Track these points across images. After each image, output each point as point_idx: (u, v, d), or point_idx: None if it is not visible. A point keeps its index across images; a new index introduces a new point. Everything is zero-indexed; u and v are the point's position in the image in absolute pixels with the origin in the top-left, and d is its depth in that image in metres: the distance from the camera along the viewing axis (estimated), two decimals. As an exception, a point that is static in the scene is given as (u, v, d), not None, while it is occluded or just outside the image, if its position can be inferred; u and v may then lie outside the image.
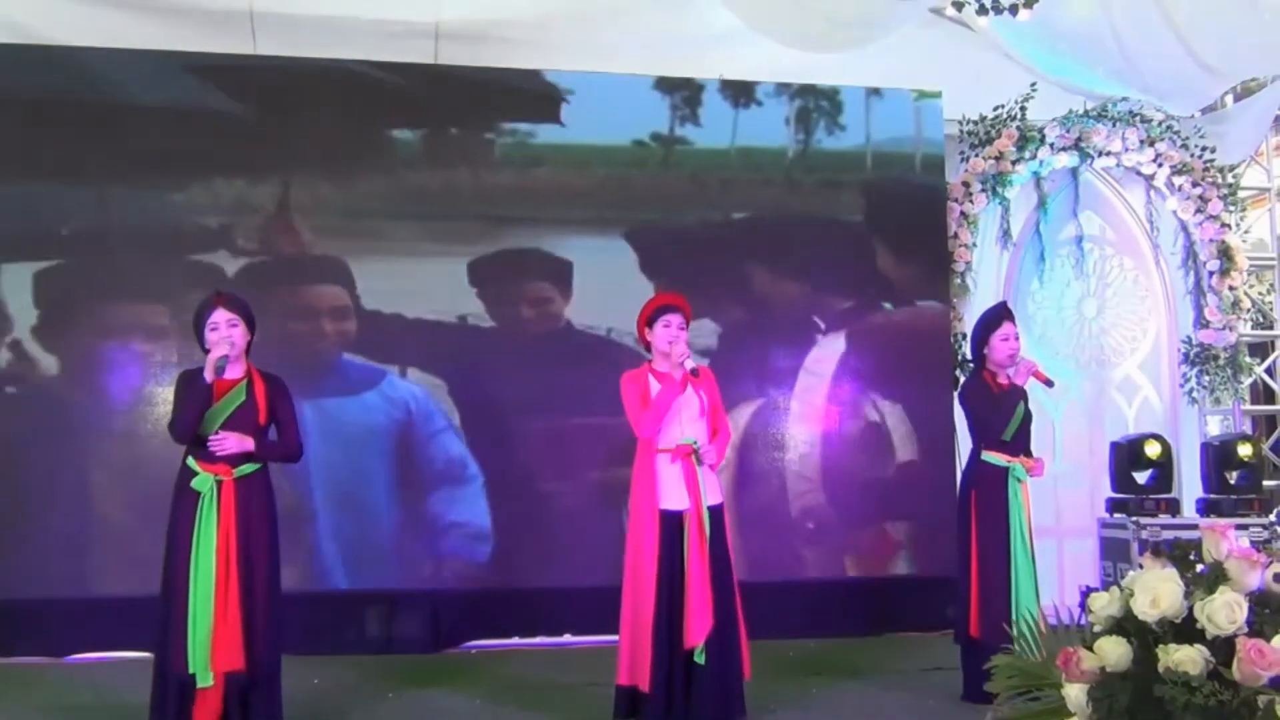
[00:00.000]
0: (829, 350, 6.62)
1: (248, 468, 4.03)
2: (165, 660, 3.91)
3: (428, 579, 6.05)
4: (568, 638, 6.14)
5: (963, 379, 6.01)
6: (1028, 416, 4.91)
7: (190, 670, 3.84)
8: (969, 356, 5.56)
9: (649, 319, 4.43)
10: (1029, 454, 4.94)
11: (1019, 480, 4.82)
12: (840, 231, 6.75)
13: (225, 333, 4.03)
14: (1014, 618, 4.44)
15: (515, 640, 6.15)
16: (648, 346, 4.49)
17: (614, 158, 6.59)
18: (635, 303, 5.79)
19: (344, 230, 6.23)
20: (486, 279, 6.33)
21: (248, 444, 4.00)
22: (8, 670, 5.46)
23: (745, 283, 6.57)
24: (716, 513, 4.34)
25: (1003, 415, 4.82)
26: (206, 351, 4.09)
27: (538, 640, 6.15)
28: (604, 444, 6.03)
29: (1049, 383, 4.96)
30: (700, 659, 4.18)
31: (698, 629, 4.17)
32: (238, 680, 3.90)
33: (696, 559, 4.23)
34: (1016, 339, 4.93)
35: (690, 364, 4.30)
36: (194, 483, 3.95)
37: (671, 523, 4.27)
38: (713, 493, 4.36)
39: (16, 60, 5.94)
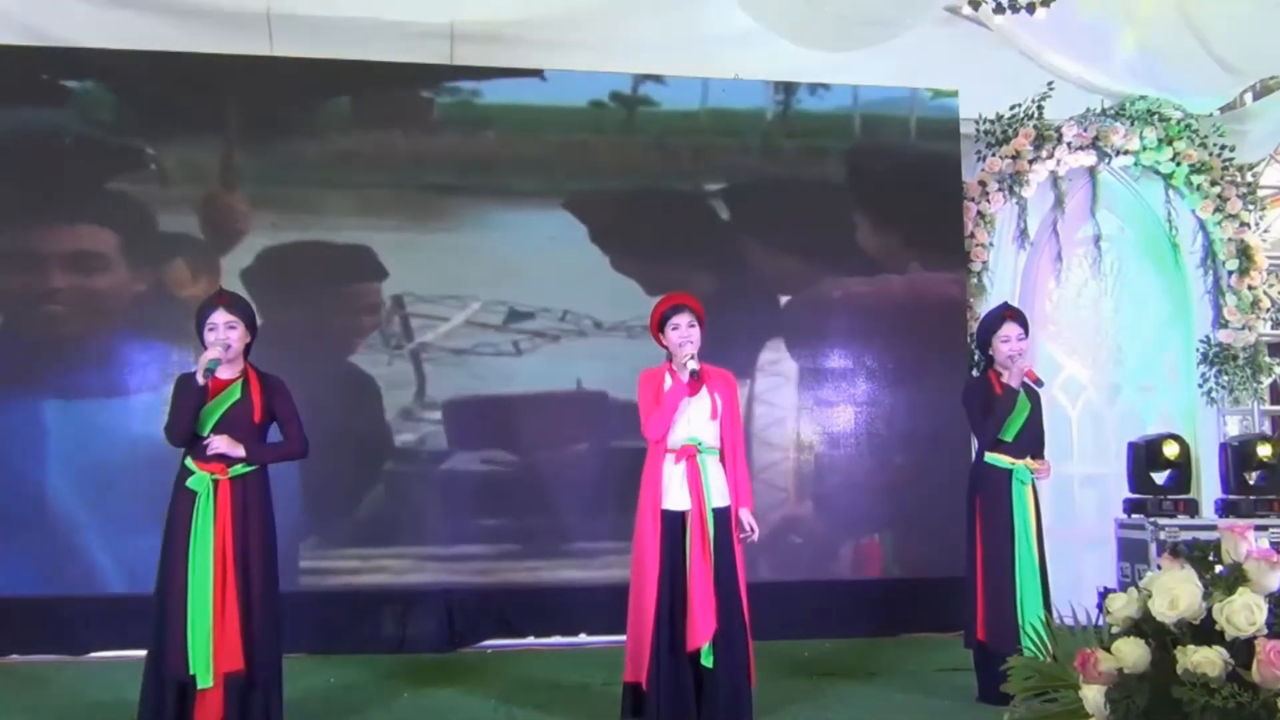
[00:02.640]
0: (842, 347, 6.61)
1: (243, 467, 4.01)
2: (162, 662, 3.90)
3: (443, 578, 6.07)
4: (583, 637, 6.14)
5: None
6: (1033, 417, 4.87)
7: (190, 671, 3.82)
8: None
9: (659, 322, 4.41)
10: (1037, 455, 4.91)
11: (1023, 482, 4.80)
12: (856, 229, 6.72)
13: (223, 334, 4.01)
14: (1020, 621, 4.44)
15: (530, 640, 6.16)
16: (665, 349, 4.47)
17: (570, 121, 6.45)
18: (593, 282, 5.83)
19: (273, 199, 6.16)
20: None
21: (238, 450, 3.97)
22: (27, 668, 5.51)
23: (758, 279, 6.56)
24: (722, 514, 4.27)
25: (999, 416, 4.79)
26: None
27: (553, 640, 6.16)
28: (621, 442, 6.04)
29: (1039, 382, 4.93)
30: (708, 661, 4.15)
31: (700, 632, 4.12)
32: (237, 681, 3.88)
33: (699, 560, 4.17)
34: (1020, 340, 4.88)
35: (693, 365, 4.25)
36: (189, 482, 3.94)
37: (674, 523, 4.23)
38: (719, 494, 4.29)
39: (29, 61, 6.00)
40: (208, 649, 3.84)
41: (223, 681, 3.86)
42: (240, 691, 3.90)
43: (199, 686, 3.83)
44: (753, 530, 4.34)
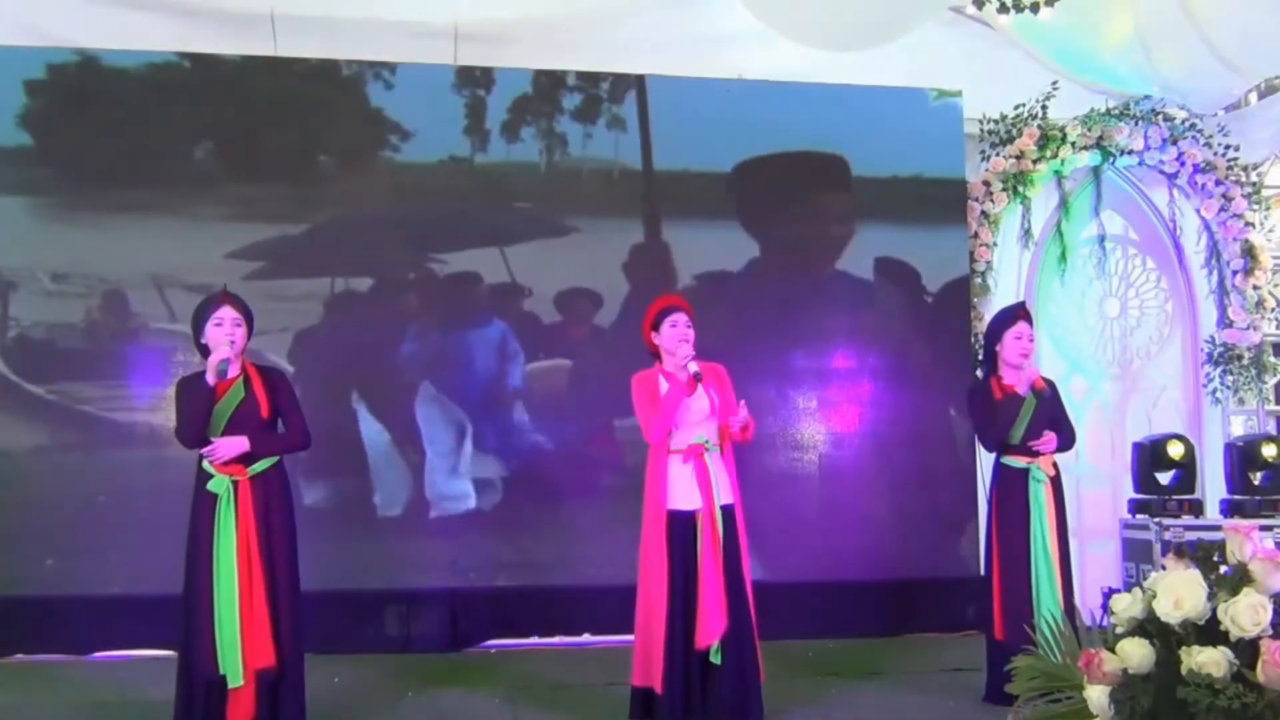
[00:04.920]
0: (846, 348, 6.60)
1: (261, 465, 4.04)
2: (192, 662, 3.93)
3: (447, 578, 6.07)
4: (587, 637, 6.14)
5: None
6: (1039, 415, 4.85)
7: (221, 671, 3.86)
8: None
9: (654, 322, 4.41)
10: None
11: (1039, 481, 4.81)
12: (860, 229, 6.71)
13: (229, 330, 4.04)
14: (1035, 619, 4.45)
15: (534, 640, 6.16)
16: (654, 350, 4.47)
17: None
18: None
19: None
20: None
21: (242, 444, 3.99)
22: (32, 667, 5.52)
23: (762, 281, 6.56)
24: (729, 513, 4.31)
25: (1003, 423, 4.81)
26: (202, 346, 4.12)
27: (557, 640, 6.16)
28: (624, 442, 6.04)
29: (1044, 390, 4.93)
30: (716, 659, 4.17)
31: (711, 629, 4.15)
32: (268, 677, 3.93)
33: (710, 559, 4.20)
34: (1031, 339, 4.90)
35: (693, 367, 4.26)
36: (210, 485, 3.97)
37: (683, 523, 4.24)
38: (725, 493, 4.32)
39: (80, 77, 6.02)
40: (236, 648, 3.87)
41: (254, 678, 3.89)
42: (271, 687, 3.94)
43: (230, 685, 3.87)
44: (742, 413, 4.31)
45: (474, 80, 6.36)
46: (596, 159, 6.49)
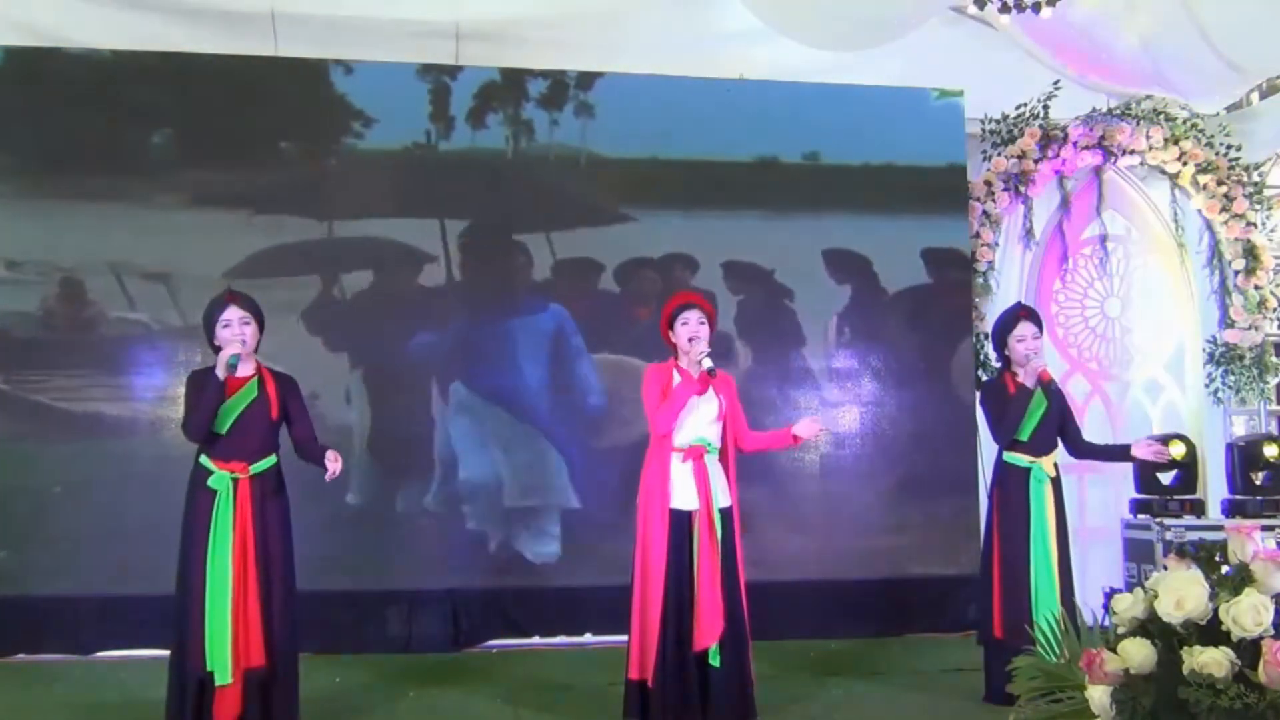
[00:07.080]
0: (847, 347, 6.60)
1: (262, 464, 4.05)
2: (182, 658, 3.94)
3: (447, 578, 6.07)
4: (588, 637, 6.14)
5: (985, 378, 6.04)
6: (1049, 415, 4.87)
7: (208, 668, 3.86)
8: (991, 356, 5.55)
9: (669, 318, 4.43)
10: (1051, 452, 4.91)
11: (1040, 481, 4.81)
12: (860, 228, 6.70)
13: (238, 330, 4.06)
14: (1034, 618, 4.45)
15: (535, 640, 6.16)
16: (673, 347, 4.49)
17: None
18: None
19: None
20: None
21: (338, 463, 4.16)
22: (34, 667, 5.52)
23: (762, 280, 6.55)
24: (726, 514, 4.31)
25: (1014, 417, 4.82)
26: (215, 349, 4.13)
27: (558, 640, 6.16)
28: (625, 442, 6.04)
29: (1052, 383, 4.95)
30: (715, 661, 4.18)
31: (709, 632, 4.16)
32: (257, 677, 3.92)
33: (707, 560, 4.21)
34: (1035, 339, 4.90)
35: (707, 363, 4.28)
36: (210, 481, 3.98)
37: (681, 522, 4.25)
38: (723, 495, 4.33)
39: (37, 63, 6.00)
40: (225, 646, 3.87)
41: (242, 677, 3.89)
42: (261, 687, 3.94)
43: (217, 683, 3.87)
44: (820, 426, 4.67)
45: (442, 69, 6.33)
46: (563, 145, 6.46)
